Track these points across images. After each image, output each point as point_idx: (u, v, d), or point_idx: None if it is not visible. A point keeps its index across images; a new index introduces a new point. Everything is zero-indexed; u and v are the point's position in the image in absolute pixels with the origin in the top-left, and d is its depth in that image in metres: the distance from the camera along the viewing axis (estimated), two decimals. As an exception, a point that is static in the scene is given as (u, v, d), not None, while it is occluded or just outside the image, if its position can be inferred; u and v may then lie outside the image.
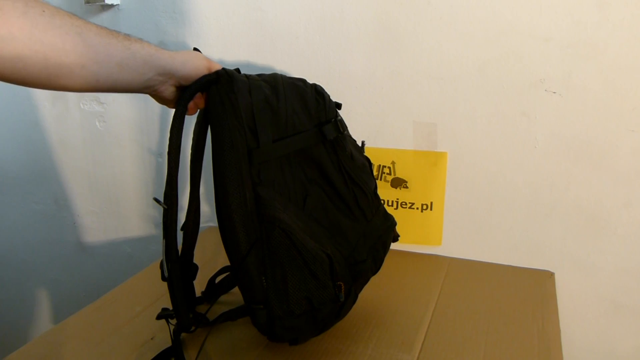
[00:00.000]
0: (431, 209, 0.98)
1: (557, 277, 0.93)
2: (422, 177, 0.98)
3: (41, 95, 1.26)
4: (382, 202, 1.00)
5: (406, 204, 1.00)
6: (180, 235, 0.68)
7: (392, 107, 0.97)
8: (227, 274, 0.80)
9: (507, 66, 0.88)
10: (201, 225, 1.16)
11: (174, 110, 0.61)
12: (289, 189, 0.63)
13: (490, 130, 0.92)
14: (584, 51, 0.83)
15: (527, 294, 0.85)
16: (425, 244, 1.00)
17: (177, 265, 0.64)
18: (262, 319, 0.62)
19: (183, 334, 0.71)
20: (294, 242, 0.60)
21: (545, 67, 0.86)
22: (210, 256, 0.99)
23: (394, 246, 1.01)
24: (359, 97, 0.98)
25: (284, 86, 0.65)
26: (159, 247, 1.23)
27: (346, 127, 0.70)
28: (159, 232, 1.25)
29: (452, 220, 0.98)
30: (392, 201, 1.00)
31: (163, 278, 0.64)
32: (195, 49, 0.65)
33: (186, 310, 0.66)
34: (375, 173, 1.00)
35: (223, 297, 0.81)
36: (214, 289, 0.79)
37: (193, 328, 0.71)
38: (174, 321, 0.68)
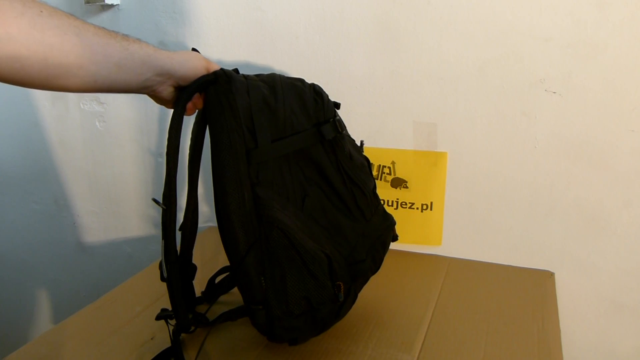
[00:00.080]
0: (431, 209, 0.98)
1: (557, 277, 0.93)
2: (422, 177, 0.98)
3: (41, 96, 1.26)
4: (381, 202, 1.00)
5: (406, 204, 1.00)
6: (179, 235, 0.68)
7: (392, 107, 0.97)
8: (227, 274, 0.80)
9: (507, 66, 0.88)
10: (201, 225, 1.16)
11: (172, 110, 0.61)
12: (288, 189, 0.63)
13: (490, 130, 0.92)
14: (584, 51, 0.83)
15: (527, 294, 0.85)
16: (425, 244, 1.00)
17: (176, 266, 0.63)
18: (261, 319, 0.62)
19: (183, 334, 0.71)
20: (293, 242, 0.60)
21: (545, 67, 0.86)
22: (210, 256, 0.99)
23: (393, 246, 1.01)
24: (359, 97, 0.98)
25: (282, 86, 0.65)
26: (158, 247, 1.22)
27: (345, 127, 0.70)
28: (158, 232, 1.25)
29: (452, 220, 0.98)
30: (392, 201, 1.00)
31: (162, 279, 0.64)
32: (193, 49, 0.65)
33: (185, 310, 0.66)
34: (375, 173, 1.00)
35: (223, 297, 0.81)
36: (214, 289, 0.80)
37: (193, 328, 0.71)
38: (173, 321, 0.68)
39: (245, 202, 0.59)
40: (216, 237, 0.61)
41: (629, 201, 0.87)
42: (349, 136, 0.72)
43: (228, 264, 0.64)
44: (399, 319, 0.77)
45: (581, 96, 0.85)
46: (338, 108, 0.70)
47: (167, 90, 0.59)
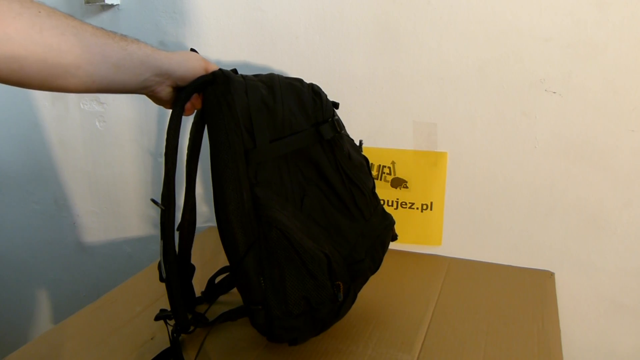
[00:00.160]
0: (431, 209, 0.98)
1: (557, 277, 0.93)
2: (422, 177, 0.98)
3: (41, 96, 1.26)
4: (381, 202, 1.00)
5: (406, 204, 1.00)
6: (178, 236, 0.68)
7: (392, 107, 0.97)
8: (226, 274, 0.80)
9: (507, 66, 0.88)
10: (201, 225, 1.16)
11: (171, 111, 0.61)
12: (287, 189, 0.63)
13: (490, 130, 0.92)
14: (584, 51, 0.83)
15: (527, 294, 0.85)
16: (425, 244, 1.00)
17: (175, 266, 0.63)
18: (261, 319, 0.62)
19: (183, 334, 0.71)
20: (292, 242, 0.60)
21: (545, 67, 0.86)
22: (210, 256, 0.99)
23: (393, 246, 1.01)
24: (359, 97, 0.98)
25: (280, 86, 0.65)
26: (158, 247, 1.22)
27: (343, 127, 0.70)
28: (158, 232, 1.25)
29: (452, 220, 0.98)
30: (392, 201, 1.00)
31: (161, 279, 0.64)
32: (192, 49, 0.65)
33: (184, 311, 0.66)
34: (375, 173, 1.00)
35: (223, 297, 0.81)
36: (214, 289, 0.79)
37: (192, 328, 0.71)
38: (172, 322, 0.68)
39: (244, 202, 0.59)
40: (216, 237, 0.61)
41: (629, 201, 0.87)
42: (347, 136, 0.71)
43: (228, 264, 0.64)
44: (399, 319, 0.77)
45: (581, 96, 0.85)
46: (337, 108, 0.70)
47: (165, 91, 0.59)
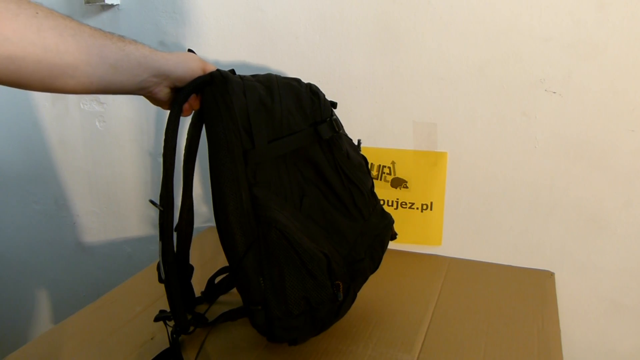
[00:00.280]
0: (431, 209, 0.98)
1: (557, 277, 0.93)
2: (422, 177, 0.98)
3: (41, 96, 1.26)
4: (381, 202, 1.00)
5: (406, 204, 1.00)
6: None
7: (392, 107, 0.97)
8: (226, 274, 0.80)
9: (507, 66, 0.88)
10: (201, 225, 1.16)
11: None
12: (286, 189, 0.63)
13: (490, 130, 0.92)
14: (584, 51, 0.83)
15: (527, 294, 0.85)
16: (425, 244, 1.00)
17: (174, 267, 0.63)
18: (261, 320, 0.62)
19: (183, 335, 0.71)
20: (291, 242, 0.60)
21: (545, 67, 0.86)
22: (210, 256, 0.99)
23: (393, 246, 1.01)
24: (359, 97, 0.98)
25: (278, 86, 0.65)
26: (158, 247, 1.23)
27: (342, 126, 0.70)
28: (158, 232, 1.25)
29: (452, 220, 0.98)
30: (392, 201, 1.00)
31: (160, 280, 0.64)
32: (189, 50, 0.65)
33: (184, 312, 0.66)
34: (375, 173, 1.00)
35: (223, 297, 0.81)
36: (214, 289, 0.79)
37: (192, 329, 0.71)
38: (172, 323, 0.68)
39: (243, 202, 0.59)
40: (216, 237, 0.61)
41: (629, 201, 0.87)
42: (346, 135, 0.71)
43: (227, 264, 0.64)
44: (399, 319, 0.77)
45: (581, 96, 0.85)
46: (335, 107, 0.70)
47: (163, 92, 0.59)
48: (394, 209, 1.00)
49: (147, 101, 0.63)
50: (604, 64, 0.83)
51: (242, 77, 0.63)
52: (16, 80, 0.45)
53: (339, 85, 0.99)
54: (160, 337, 0.72)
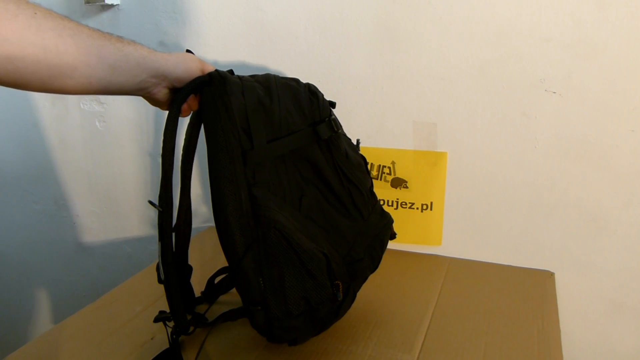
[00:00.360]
0: (431, 209, 0.98)
1: (557, 277, 0.93)
2: (422, 177, 0.98)
3: (41, 96, 1.26)
4: (381, 201, 1.00)
5: (406, 204, 1.00)
6: (177, 237, 0.68)
7: (392, 107, 0.97)
8: (226, 274, 0.80)
9: (507, 66, 0.88)
10: (201, 225, 1.16)
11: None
12: (285, 190, 0.63)
13: (490, 130, 0.92)
14: (584, 51, 0.83)
15: (527, 294, 0.85)
16: (425, 244, 1.00)
17: (174, 268, 0.63)
18: (260, 320, 0.62)
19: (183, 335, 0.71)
20: (290, 242, 0.60)
21: (545, 67, 0.86)
22: (209, 256, 0.99)
23: (393, 246, 1.01)
24: (359, 97, 0.98)
25: (277, 86, 0.65)
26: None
27: (340, 126, 0.70)
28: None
29: (452, 220, 0.98)
30: (392, 201, 1.00)
31: (159, 281, 0.64)
32: (188, 50, 0.65)
33: (183, 312, 0.66)
34: (375, 173, 1.00)
35: (223, 297, 0.81)
36: (214, 289, 0.79)
37: (192, 329, 0.71)
38: (171, 323, 0.68)
39: (242, 203, 0.59)
40: (215, 237, 0.61)
41: (629, 201, 0.87)
42: (345, 135, 0.71)
43: (227, 264, 0.64)
44: (399, 319, 0.77)
45: (581, 96, 0.85)
46: (333, 107, 0.70)
47: (161, 92, 0.59)
48: (394, 209, 1.00)
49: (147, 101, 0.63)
50: (604, 64, 0.83)
51: (240, 78, 0.63)
52: (15, 80, 0.45)
53: (339, 85, 0.99)
54: (160, 337, 0.72)
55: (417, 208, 0.99)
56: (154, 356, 0.67)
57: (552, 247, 0.93)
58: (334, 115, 0.69)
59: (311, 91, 0.68)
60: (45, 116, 1.27)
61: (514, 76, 0.88)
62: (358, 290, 0.71)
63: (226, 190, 0.59)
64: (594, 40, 0.82)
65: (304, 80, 0.70)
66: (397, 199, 1.00)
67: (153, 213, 1.25)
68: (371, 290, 0.79)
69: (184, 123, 0.64)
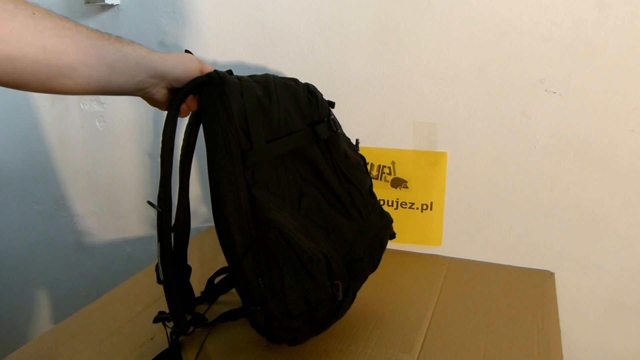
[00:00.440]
0: (431, 209, 0.98)
1: (557, 277, 0.93)
2: (422, 177, 0.98)
3: (41, 96, 1.26)
4: (381, 201, 1.00)
5: (406, 204, 1.00)
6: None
7: (392, 107, 0.97)
8: (226, 274, 0.80)
9: (507, 66, 0.88)
10: (201, 225, 1.16)
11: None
12: (284, 190, 0.63)
13: (490, 130, 0.92)
14: (584, 51, 0.83)
15: (527, 294, 0.85)
16: (425, 244, 1.00)
17: (173, 268, 0.63)
18: (260, 320, 0.62)
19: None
20: (290, 242, 0.60)
21: (545, 67, 0.86)
22: (210, 256, 0.99)
23: (394, 246, 1.01)
24: (359, 97, 0.98)
25: (276, 86, 0.65)
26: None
27: (340, 126, 0.70)
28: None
29: (452, 220, 0.98)
30: (392, 201, 1.00)
31: (159, 281, 0.64)
32: (186, 50, 0.65)
33: (183, 313, 0.66)
34: (375, 173, 1.00)
35: (223, 297, 0.81)
36: (213, 289, 0.79)
37: (192, 329, 0.71)
38: (171, 324, 0.68)
39: (241, 203, 0.59)
40: (215, 237, 0.61)
41: (629, 201, 0.87)
42: (344, 135, 0.71)
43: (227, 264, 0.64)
44: (399, 319, 0.77)
45: (581, 96, 0.85)
46: (333, 107, 0.70)
47: (160, 93, 0.59)
48: (394, 209, 1.00)
49: (147, 101, 0.63)
50: (604, 64, 0.83)
51: (239, 78, 0.63)
52: (14, 80, 0.45)
53: (339, 85, 0.99)
54: (160, 337, 0.72)
55: (417, 208, 0.99)
56: (154, 356, 0.67)
57: (552, 247, 0.93)
58: (333, 115, 0.69)
59: (310, 91, 0.68)
60: (45, 116, 1.27)
61: (513, 76, 0.88)
62: (358, 290, 0.71)
63: (225, 191, 0.59)
64: (594, 40, 0.82)
65: (303, 80, 0.70)
66: (397, 199, 1.00)
67: (153, 213, 1.25)
68: (371, 290, 0.79)
69: (183, 123, 0.64)
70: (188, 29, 1.08)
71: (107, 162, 1.25)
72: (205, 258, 0.98)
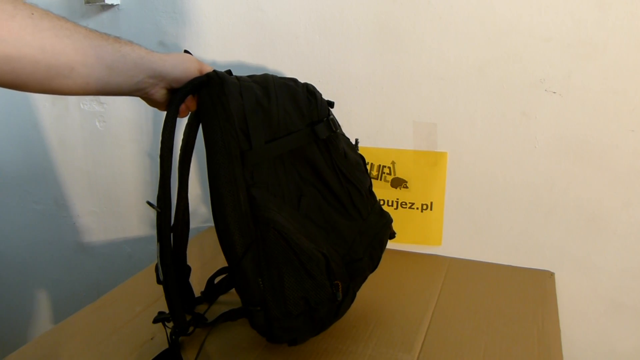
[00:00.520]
0: (431, 209, 0.98)
1: (557, 277, 0.93)
2: (422, 177, 0.98)
3: (41, 96, 1.26)
4: (381, 201, 1.00)
5: (406, 204, 1.00)
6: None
7: (392, 107, 0.97)
8: (226, 274, 0.80)
9: (507, 66, 0.88)
10: (201, 225, 1.16)
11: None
12: (283, 190, 0.63)
13: (490, 130, 0.92)
14: (584, 51, 0.83)
15: (527, 294, 0.85)
16: (425, 244, 1.00)
17: (172, 269, 0.63)
18: (260, 320, 0.62)
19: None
20: (290, 242, 0.60)
21: (545, 67, 0.86)
22: (210, 256, 0.99)
23: (393, 246, 1.01)
24: (359, 97, 0.98)
25: (275, 86, 0.65)
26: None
27: (339, 126, 0.70)
28: (159, 232, 1.25)
29: (452, 220, 0.98)
30: (392, 201, 1.00)
31: (158, 281, 0.64)
32: (185, 51, 0.65)
33: (182, 313, 0.66)
34: (375, 173, 1.00)
35: (223, 297, 0.81)
36: (213, 289, 0.79)
37: (191, 329, 0.71)
38: (171, 324, 0.68)
39: (240, 203, 0.59)
40: (215, 237, 0.61)
41: (629, 201, 0.87)
42: (343, 135, 0.71)
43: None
44: (399, 319, 0.77)
45: (581, 96, 0.85)
46: (332, 107, 0.70)
47: (159, 93, 0.59)
48: (394, 209, 1.00)
49: (147, 101, 0.62)
50: (604, 64, 0.83)
51: (238, 78, 0.63)
52: (12, 81, 0.45)
53: (339, 85, 0.99)
54: (160, 337, 0.72)
55: (417, 208, 0.99)
56: (154, 356, 0.67)
57: (552, 247, 0.93)
58: (332, 114, 0.69)
59: (309, 91, 0.68)
60: (45, 116, 1.27)
61: (513, 76, 0.88)
62: (358, 290, 0.71)
63: (225, 191, 0.59)
64: (594, 40, 0.82)
65: (303, 80, 0.70)
66: (397, 199, 1.00)
67: (153, 213, 1.24)
68: (371, 290, 0.79)
69: (182, 124, 0.64)
70: (188, 29, 1.08)
71: (107, 162, 1.25)
72: (205, 258, 0.98)
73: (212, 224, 0.61)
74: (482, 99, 0.91)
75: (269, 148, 0.62)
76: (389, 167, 1.00)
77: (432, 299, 0.83)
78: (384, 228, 0.73)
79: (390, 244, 0.76)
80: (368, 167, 0.97)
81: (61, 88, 0.49)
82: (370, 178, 0.75)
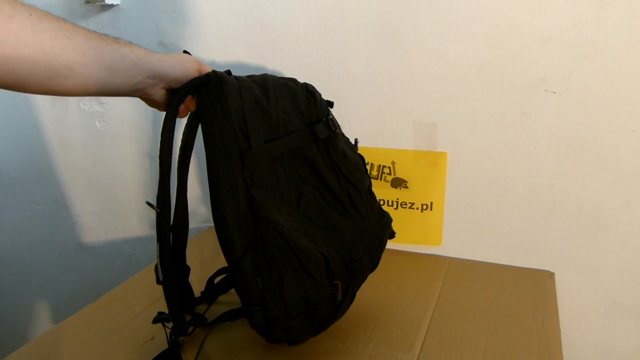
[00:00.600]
0: (431, 209, 0.98)
1: (557, 277, 0.93)
2: (422, 177, 0.98)
3: (41, 96, 1.26)
4: (380, 201, 1.00)
5: (406, 204, 1.00)
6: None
7: (392, 107, 0.97)
8: (226, 274, 0.80)
9: (507, 66, 0.88)
10: (201, 225, 1.16)
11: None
12: (283, 190, 0.63)
13: (490, 130, 0.92)
14: (584, 51, 0.83)
15: (527, 294, 0.85)
16: (425, 244, 1.00)
17: (172, 269, 0.63)
18: (260, 320, 0.62)
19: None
20: (289, 242, 0.60)
21: (545, 67, 0.86)
22: (209, 256, 0.99)
23: (393, 246, 1.01)
24: (359, 97, 0.98)
25: (274, 86, 0.65)
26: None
27: (338, 126, 0.70)
28: (159, 232, 1.25)
29: (452, 220, 0.98)
30: (392, 201, 1.00)
31: (158, 282, 0.63)
32: (185, 51, 0.65)
33: (182, 313, 0.66)
34: (375, 173, 1.00)
35: (223, 297, 0.81)
36: (213, 289, 0.79)
37: (191, 329, 0.71)
38: (170, 324, 0.68)
39: (240, 204, 0.59)
40: (215, 237, 0.61)
41: (629, 201, 0.87)
42: (342, 135, 0.71)
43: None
44: (399, 319, 0.77)
45: (581, 96, 0.85)
46: (331, 107, 0.70)
47: (159, 93, 0.59)
48: (394, 209, 1.00)
49: (147, 101, 0.62)
50: (604, 64, 0.83)
51: (237, 78, 0.63)
52: (12, 81, 0.45)
53: (339, 85, 0.99)
54: (160, 337, 0.72)
55: (417, 208, 0.99)
56: (154, 356, 0.67)
57: (552, 247, 0.93)
58: (331, 114, 0.69)
59: (309, 91, 0.68)
60: (45, 116, 1.27)
61: (513, 76, 0.88)
62: (357, 289, 0.71)
63: (224, 191, 0.59)
64: (594, 40, 0.82)
65: (303, 80, 0.70)
66: (397, 199, 1.00)
67: (153, 213, 1.25)
68: (371, 290, 0.79)
69: (181, 124, 0.64)
70: (188, 29, 1.08)
71: (107, 162, 1.25)
72: (205, 258, 0.98)
73: (212, 224, 0.62)
74: (482, 99, 0.91)
75: (269, 148, 0.62)
76: (389, 167, 1.00)
77: (432, 299, 0.83)
78: (383, 228, 0.73)
79: (390, 244, 0.76)
80: (368, 167, 0.98)
81: (60, 89, 0.49)
82: (369, 178, 0.75)
